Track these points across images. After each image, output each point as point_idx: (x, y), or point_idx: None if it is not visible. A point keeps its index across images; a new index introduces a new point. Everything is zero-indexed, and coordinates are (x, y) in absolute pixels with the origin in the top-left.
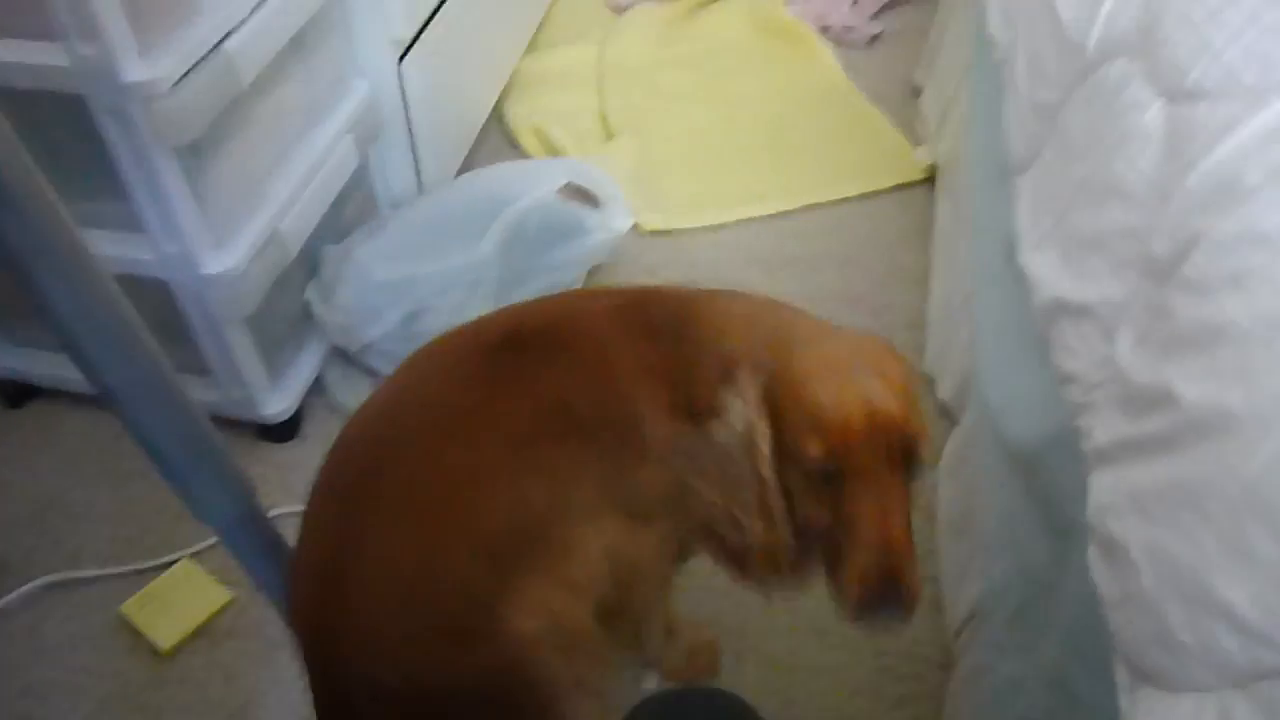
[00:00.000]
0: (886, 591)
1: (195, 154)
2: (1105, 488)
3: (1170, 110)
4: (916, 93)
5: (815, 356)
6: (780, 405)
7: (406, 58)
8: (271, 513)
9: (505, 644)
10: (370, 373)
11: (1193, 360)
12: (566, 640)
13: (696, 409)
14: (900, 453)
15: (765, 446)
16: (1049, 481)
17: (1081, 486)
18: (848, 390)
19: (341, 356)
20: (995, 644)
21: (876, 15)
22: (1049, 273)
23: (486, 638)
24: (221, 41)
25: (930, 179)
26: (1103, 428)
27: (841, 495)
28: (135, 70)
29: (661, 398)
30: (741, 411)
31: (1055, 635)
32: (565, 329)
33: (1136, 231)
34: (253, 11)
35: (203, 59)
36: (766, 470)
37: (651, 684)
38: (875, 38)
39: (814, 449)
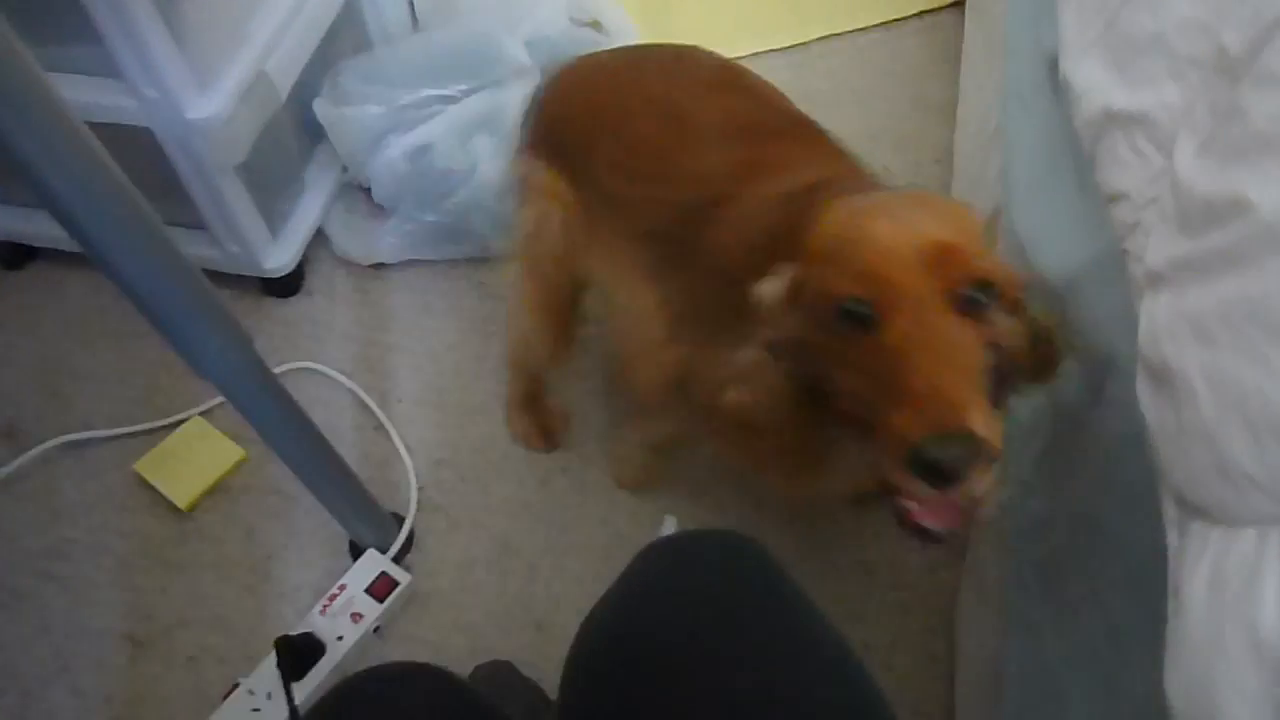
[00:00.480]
0: (943, 439)
1: None
2: (1158, 312)
3: None
4: None
5: (843, 208)
6: (810, 261)
7: None
8: (279, 368)
9: None
10: (375, 216)
11: (1271, 163)
12: None
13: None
14: (964, 289)
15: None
16: (1085, 313)
17: (1121, 315)
18: (884, 222)
19: (343, 204)
20: (1022, 482)
21: None
22: (1097, 81)
23: None
24: None
25: (958, 2)
26: (1156, 248)
27: (881, 343)
28: None
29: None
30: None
31: (1085, 472)
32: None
33: (1204, 25)
34: None
35: None
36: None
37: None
38: None
39: (842, 285)
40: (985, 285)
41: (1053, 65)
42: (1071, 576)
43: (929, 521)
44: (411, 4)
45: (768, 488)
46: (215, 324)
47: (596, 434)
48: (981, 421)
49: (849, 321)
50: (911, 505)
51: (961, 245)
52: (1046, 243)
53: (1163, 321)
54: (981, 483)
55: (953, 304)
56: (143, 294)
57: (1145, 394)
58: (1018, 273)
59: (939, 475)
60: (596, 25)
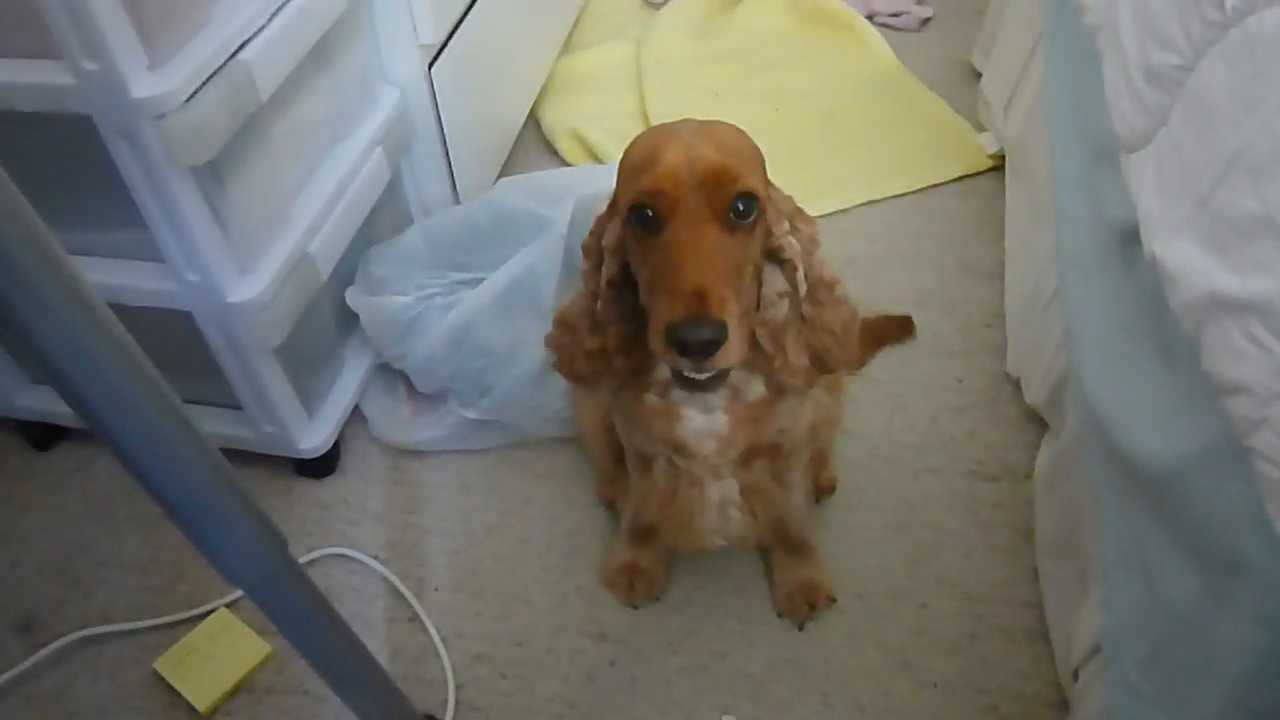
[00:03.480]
0: (692, 321)
1: (214, 174)
2: None
3: None
4: (976, 76)
5: (650, 131)
6: (617, 182)
7: (437, 63)
8: (313, 554)
9: None
10: (412, 397)
11: None
12: None
13: None
14: (726, 200)
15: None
16: (1193, 505)
17: (1247, 515)
18: (668, 145)
19: (381, 384)
20: (1127, 687)
21: None
22: (1196, 263)
23: None
24: (236, 52)
25: (996, 167)
26: None
27: (661, 242)
28: (144, 86)
29: None
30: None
31: (1214, 686)
32: None
33: None
34: (270, 19)
35: (217, 72)
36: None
37: None
38: (926, 21)
39: (630, 195)
40: (748, 201)
41: (1121, 236)
42: None
43: (690, 371)
44: (453, 180)
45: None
46: (247, 526)
47: (648, 626)
48: (726, 309)
49: (640, 225)
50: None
51: (730, 166)
52: (1135, 424)
53: None
54: (726, 356)
55: (719, 216)
56: (166, 493)
57: None
58: (785, 196)
59: (687, 349)
60: None
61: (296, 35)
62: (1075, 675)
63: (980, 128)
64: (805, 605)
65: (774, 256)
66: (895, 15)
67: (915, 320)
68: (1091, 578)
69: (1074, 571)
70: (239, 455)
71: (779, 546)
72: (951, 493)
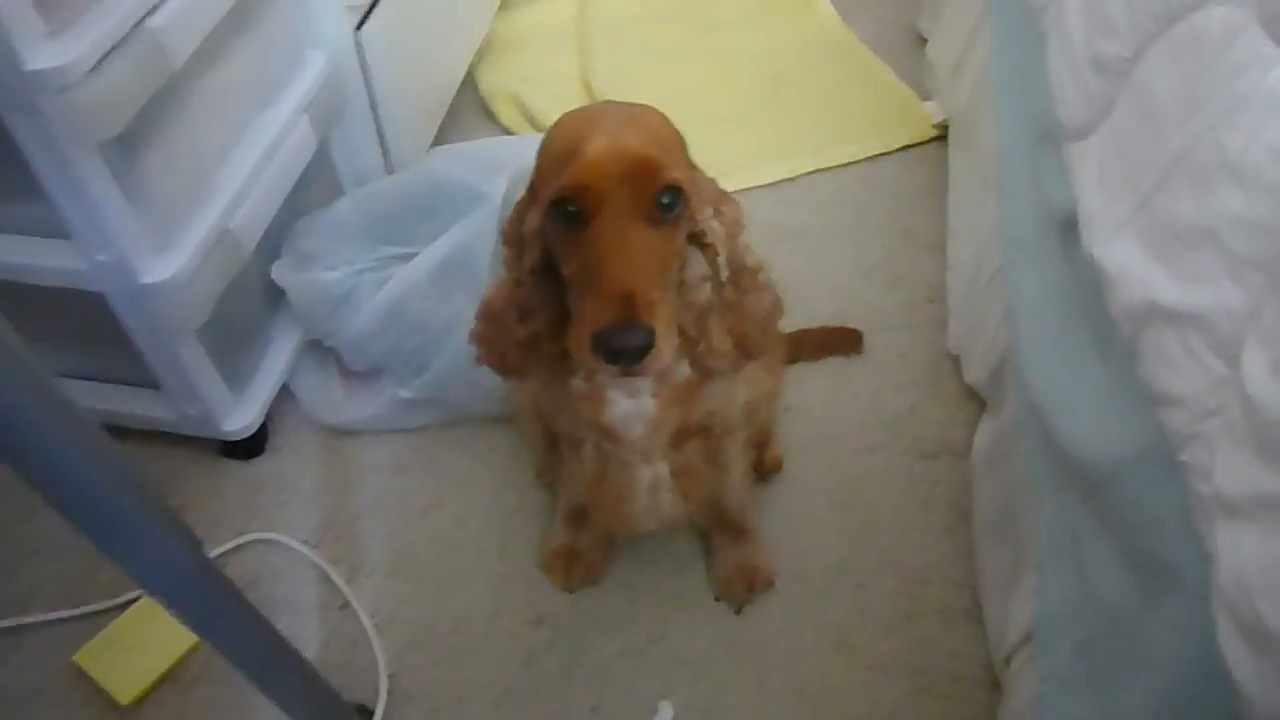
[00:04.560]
0: (620, 327)
1: (124, 148)
2: (1244, 555)
3: None
4: (922, 42)
5: (571, 117)
6: (537, 169)
7: (365, 24)
8: (240, 539)
9: None
10: (345, 375)
11: None
12: None
13: None
14: (651, 195)
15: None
16: (1127, 505)
17: (1179, 522)
18: (591, 135)
19: (311, 360)
20: (1058, 678)
21: None
22: (1136, 268)
23: None
24: (144, 19)
25: (941, 136)
26: (1231, 474)
27: (587, 238)
28: (41, 56)
29: None
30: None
31: (1141, 685)
32: None
33: (1265, 226)
34: None
35: (122, 40)
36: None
37: None
38: None
39: (552, 189)
40: (674, 193)
41: (1063, 222)
42: None
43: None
44: (385, 148)
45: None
46: (157, 532)
47: (586, 609)
48: (655, 312)
49: (563, 219)
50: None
51: (655, 158)
52: (1072, 416)
53: (1254, 570)
54: (654, 363)
55: (644, 211)
56: (67, 504)
57: (1233, 649)
58: (707, 179)
59: (616, 356)
60: None
61: None
62: (1008, 661)
63: (926, 96)
64: (743, 589)
65: (696, 240)
66: None
67: (861, 294)
68: (1027, 562)
69: (1010, 553)
70: (161, 436)
71: (717, 529)
72: (891, 471)
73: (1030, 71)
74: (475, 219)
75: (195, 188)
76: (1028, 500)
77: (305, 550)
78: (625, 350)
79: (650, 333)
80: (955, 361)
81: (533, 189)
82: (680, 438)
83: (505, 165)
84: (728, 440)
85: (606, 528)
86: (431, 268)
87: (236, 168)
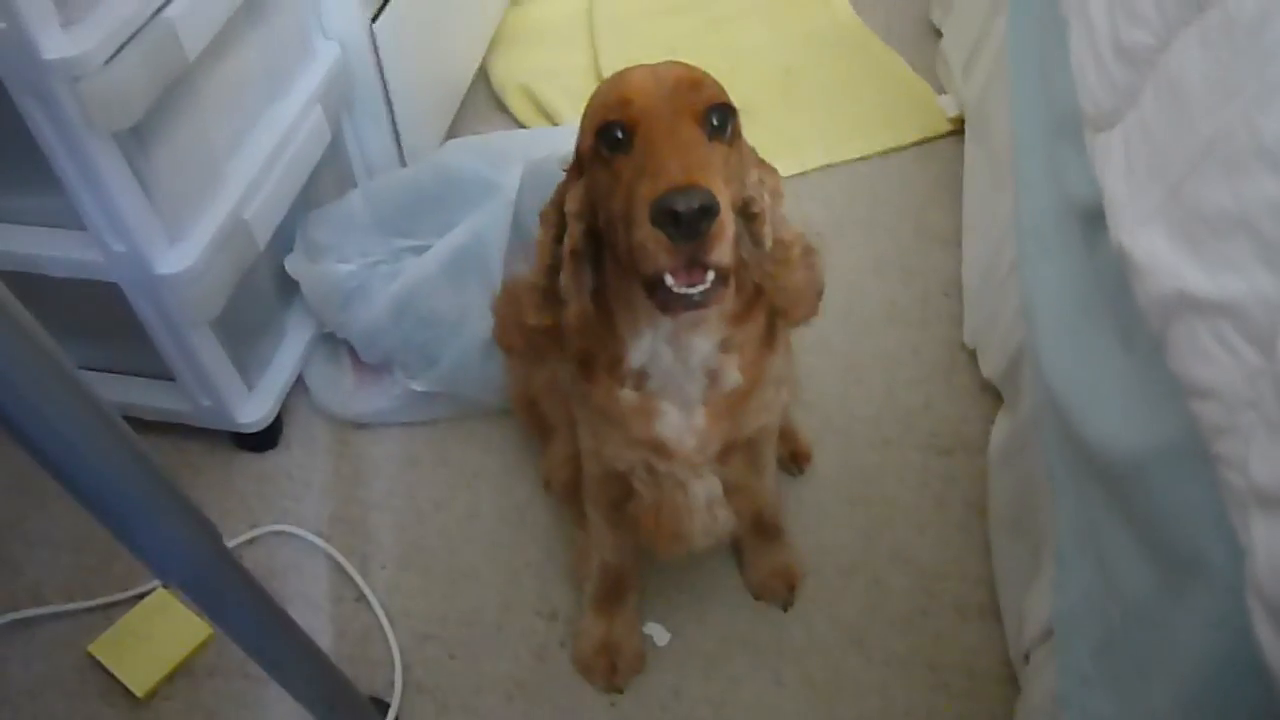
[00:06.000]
0: (680, 189)
1: (138, 139)
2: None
3: None
4: (936, 34)
5: (614, 74)
6: (581, 129)
7: (380, 17)
8: (254, 531)
9: None
10: (358, 368)
11: None
12: None
13: None
14: (701, 108)
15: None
16: (1152, 499)
17: (1208, 515)
18: (632, 71)
19: (324, 353)
20: (1079, 674)
21: None
22: (1165, 257)
23: None
24: (161, 9)
25: (956, 130)
26: (1264, 463)
27: (634, 156)
28: (57, 46)
29: None
30: None
31: (1168, 681)
32: None
33: None
34: None
35: (138, 30)
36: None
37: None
38: None
39: (602, 116)
40: (723, 112)
41: (1084, 214)
42: None
43: (681, 284)
44: (398, 139)
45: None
46: (176, 522)
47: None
48: (718, 188)
49: (609, 144)
50: (667, 278)
51: (701, 79)
52: (1093, 410)
53: None
54: (722, 234)
55: (695, 118)
56: (86, 492)
57: (1271, 639)
58: (749, 146)
59: (677, 220)
60: None
61: None
62: (1026, 657)
63: (940, 89)
64: (783, 589)
65: (745, 210)
66: None
67: (874, 290)
68: (1045, 556)
69: (1027, 549)
70: (175, 429)
71: (751, 531)
72: (906, 466)
73: (1050, 61)
74: (488, 210)
75: (209, 179)
76: (1046, 495)
77: (319, 542)
78: (689, 213)
79: (711, 195)
80: (970, 356)
81: (575, 162)
82: (728, 451)
83: (519, 157)
84: (765, 445)
85: (666, 553)
86: (443, 261)
87: (250, 159)
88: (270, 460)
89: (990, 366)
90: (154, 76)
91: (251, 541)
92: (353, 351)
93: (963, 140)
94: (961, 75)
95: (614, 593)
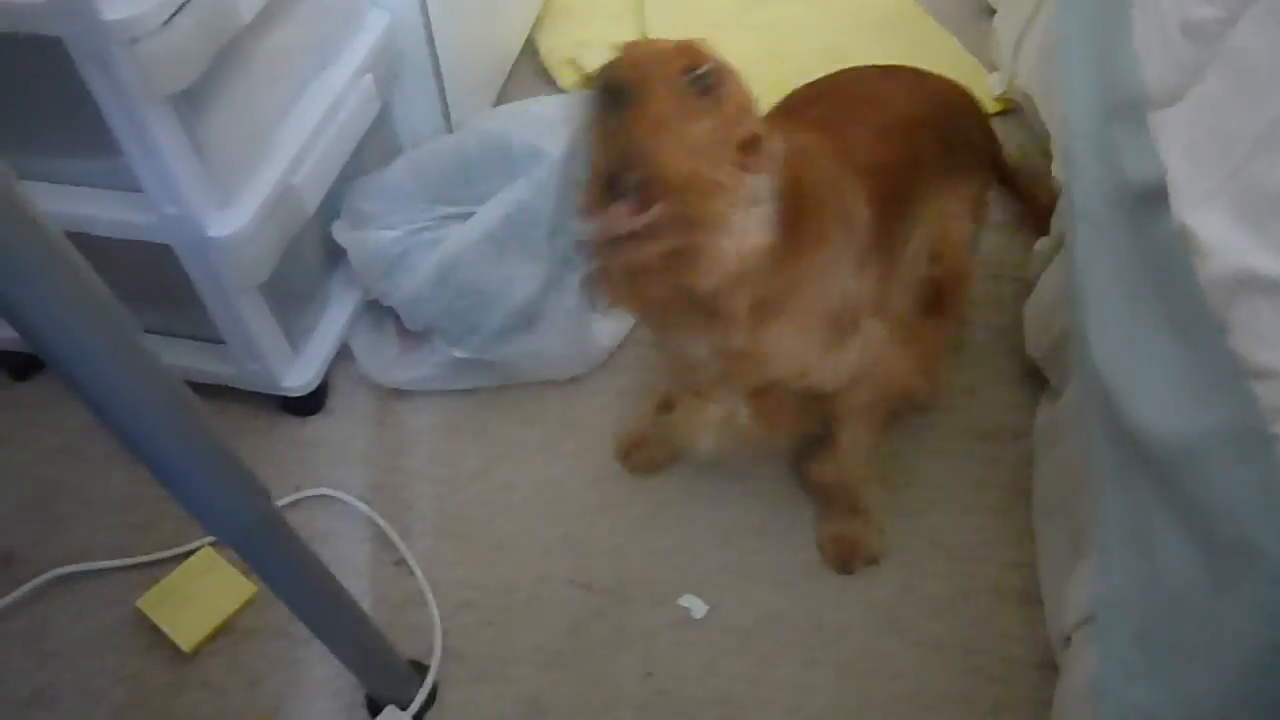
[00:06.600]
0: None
1: (191, 102)
2: None
3: None
4: (990, 11)
5: None
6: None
7: None
8: (297, 495)
9: None
10: (403, 336)
11: None
12: None
13: None
14: (692, 70)
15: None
16: (1201, 485)
17: (1260, 501)
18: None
19: (369, 321)
20: (1120, 661)
21: None
22: (1228, 236)
23: None
24: None
25: (1004, 110)
26: None
27: (635, 111)
28: (117, 6)
29: None
30: None
31: (1211, 671)
32: None
33: None
34: None
35: None
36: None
37: None
38: None
39: (611, 73)
40: (705, 70)
41: (1138, 196)
42: None
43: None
44: (446, 110)
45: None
46: (227, 479)
47: (635, 576)
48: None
49: (605, 105)
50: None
51: (693, 45)
52: (1141, 394)
53: None
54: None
55: (686, 79)
56: (143, 448)
57: None
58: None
59: (609, 90)
60: None
61: None
62: (1066, 641)
63: (990, 68)
64: (841, 558)
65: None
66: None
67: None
68: (1086, 543)
69: (1069, 534)
70: (222, 391)
71: (826, 496)
72: (948, 449)
73: (1108, 39)
74: (535, 178)
75: (259, 145)
76: (1090, 481)
77: (362, 506)
78: (616, 79)
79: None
80: (1014, 341)
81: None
82: (759, 393)
83: (562, 123)
84: (837, 405)
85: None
86: (487, 228)
87: (299, 126)
88: (314, 425)
89: (1036, 347)
90: (209, 39)
91: (294, 504)
92: (397, 319)
93: (1011, 120)
94: (1012, 53)
95: (667, 406)
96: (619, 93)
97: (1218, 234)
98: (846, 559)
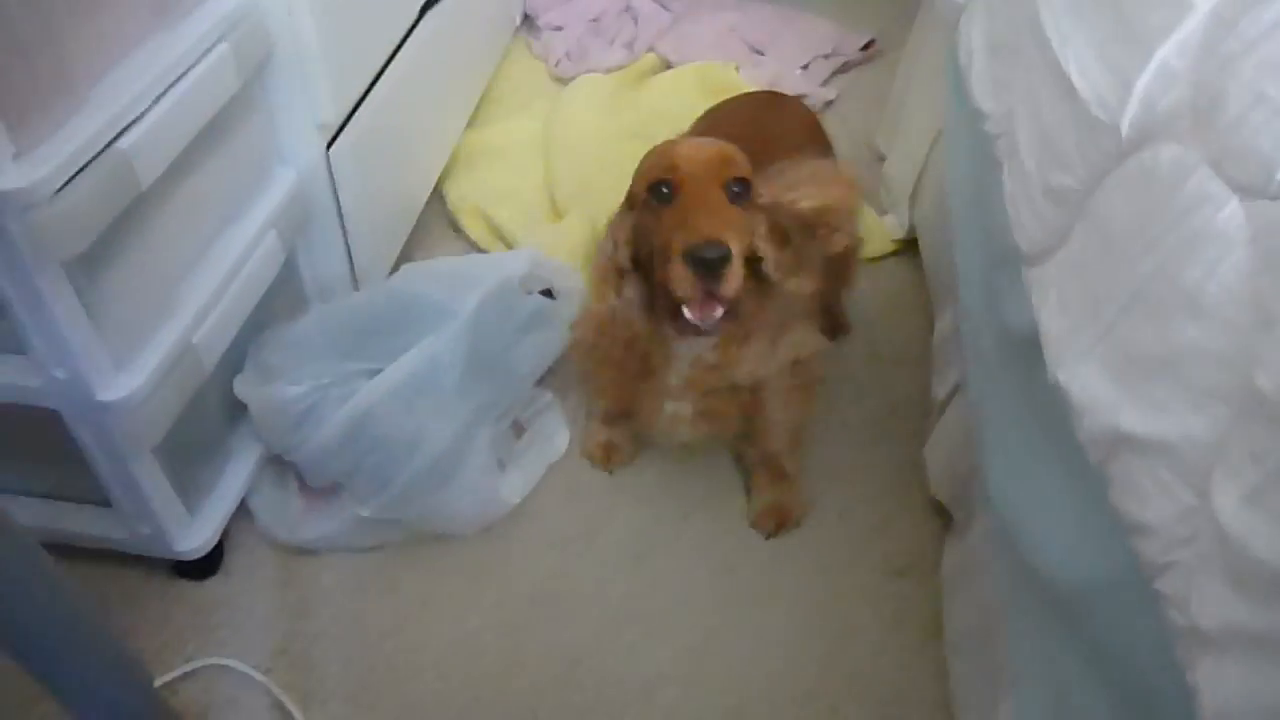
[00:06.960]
0: (705, 243)
1: (87, 266)
2: (1228, 693)
3: (1252, 209)
4: (880, 158)
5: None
6: (632, 185)
7: (335, 143)
8: (191, 665)
9: None
10: (305, 492)
11: None
12: None
13: None
14: (728, 179)
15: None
16: (1105, 631)
17: (1158, 649)
18: (679, 142)
19: (270, 476)
20: None
21: (827, 81)
22: (1101, 396)
23: None
24: (114, 140)
25: (898, 250)
26: (1205, 603)
27: (676, 207)
28: (8, 177)
29: None
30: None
31: None
32: None
33: (1224, 359)
34: (152, 104)
35: (91, 161)
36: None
37: None
38: (830, 103)
39: (654, 174)
40: (742, 184)
41: (1023, 343)
42: None
43: (696, 316)
44: (352, 261)
45: None
46: (104, 667)
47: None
48: (733, 243)
49: (657, 196)
50: (685, 310)
51: (731, 156)
52: (1043, 538)
53: (1237, 706)
54: (730, 280)
55: (723, 189)
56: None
57: None
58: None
59: (702, 263)
60: (549, 293)
61: (182, 120)
62: None
63: (883, 210)
64: (772, 524)
65: (752, 255)
66: (800, 97)
67: (845, 405)
68: (1003, 682)
69: (985, 673)
70: (109, 556)
71: (760, 466)
72: (861, 587)
73: (986, 195)
74: (443, 335)
75: (159, 303)
76: (1003, 620)
77: (259, 677)
78: (710, 261)
79: (728, 248)
80: (923, 475)
81: (628, 199)
82: (711, 393)
83: (472, 283)
84: (765, 393)
85: (644, 431)
86: (396, 383)
87: (201, 282)
88: (210, 589)
89: (939, 487)
90: (105, 205)
91: (187, 675)
92: (300, 475)
93: (906, 260)
94: (906, 198)
95: (615, 416)
96: (715, 265)
97: (1090, 392)
98: (781, 523)
